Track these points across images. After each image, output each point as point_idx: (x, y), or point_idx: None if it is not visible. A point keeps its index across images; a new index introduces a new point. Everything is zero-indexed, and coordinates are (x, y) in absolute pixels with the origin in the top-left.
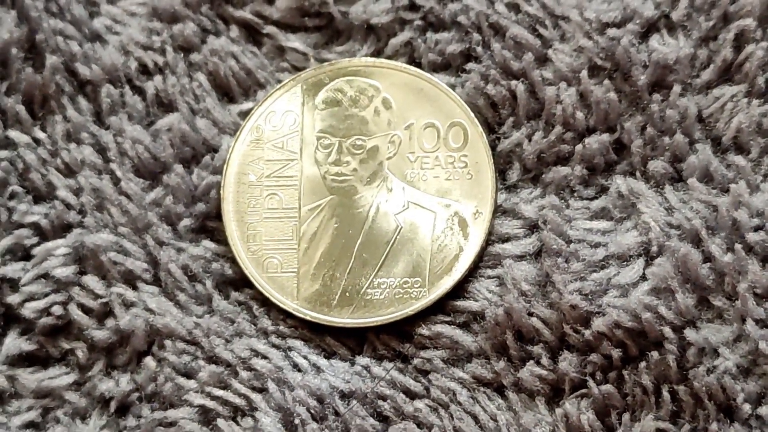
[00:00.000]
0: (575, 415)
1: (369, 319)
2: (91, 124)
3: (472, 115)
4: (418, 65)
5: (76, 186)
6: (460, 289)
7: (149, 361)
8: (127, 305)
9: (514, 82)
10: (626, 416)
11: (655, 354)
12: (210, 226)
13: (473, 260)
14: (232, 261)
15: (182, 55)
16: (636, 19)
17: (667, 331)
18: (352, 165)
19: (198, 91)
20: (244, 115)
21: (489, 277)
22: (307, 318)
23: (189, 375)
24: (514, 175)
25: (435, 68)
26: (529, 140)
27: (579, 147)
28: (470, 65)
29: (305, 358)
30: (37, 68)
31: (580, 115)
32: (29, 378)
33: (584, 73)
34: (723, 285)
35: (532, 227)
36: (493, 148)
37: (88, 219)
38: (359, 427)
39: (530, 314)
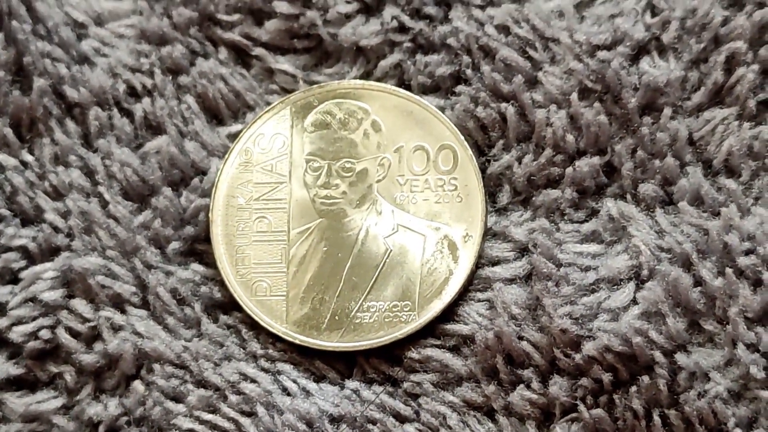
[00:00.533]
0: None
1: (358, 342)
2: (79, 147)
3: (462, 137)
4: (408, 88)
5: (64, 209)
6: (449, 313)
7: (138, 385)
8: (116, 329)
9: (503, 105)
10: None
11: (645, 378)
12: (199, 249)
13: (463, 284)
14: (221, 284)
15: (171, 77)
16: (626, 41)
17: (658, 355)
18: (342, 188)
19: (186, 114)
20: (233, 137)
21: (479, 301)
22: (297, 342)
23: (178, 399)
24: (504, 198)
25: (424, 91)
26: (519, 163)
27: (569, 170)
28: (460, 88)
29: (294, 381)
30: (24, 91)
31: (570, 137)
32: (17, 402)
33: (574, 96)
34: (714, 309)
35: (522, 250)
36: (482, 170)
37: (76, 242)
38: None
39: (520, 338)
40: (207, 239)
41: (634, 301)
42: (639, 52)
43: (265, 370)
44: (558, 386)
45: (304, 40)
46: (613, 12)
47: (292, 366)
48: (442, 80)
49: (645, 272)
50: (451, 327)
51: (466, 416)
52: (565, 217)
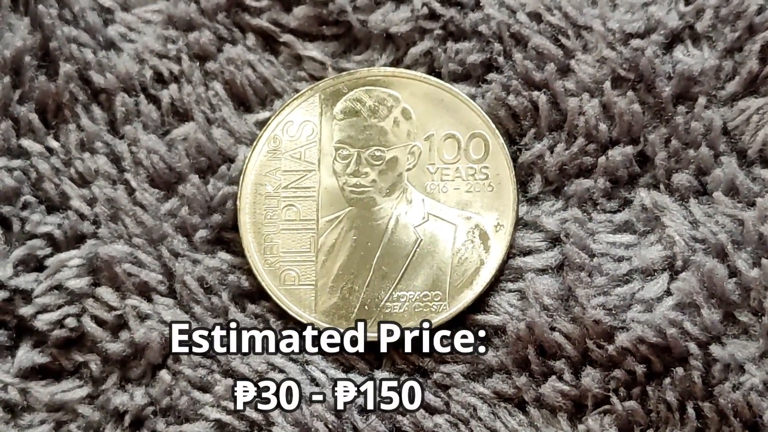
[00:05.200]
0: None
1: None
2: (106, 134)
3: (493, 126)
4: (438, 75)
5: (90, 196)
6: (480, 303)
7: (164, 375)
8: (142, 317)
9: (535, 93)
10: None
11: (679, 370)
12: (226, 237)
13: (494, 273)
14: (249, 273)
15: (198, 63)
16: (660, 29)
17: (692, 346)
18: (371, 176)
19: (214, 101)
20: (261, 124)
21: (510, 291)
22: None
23: (204, 389)
24: (535, 187)
25: (455, 78)
26: (551, 152)
27: (602, 159)
28: (491, 75)
29: (323, 372)
30: (50, 76)
31: (603, 126)
32: (42, 391)
33: (607, 84)
34: (749, 300)
35: (554, 240)
36: (514, 159)
37: (102, 230)
38: None
39: (552, 329)
40: (234, 227)
41: (668, 292)
42: (673, 40)
43: (294, 360)
44: (590, 378)
45: (333, 27)
46: (646, 0)
47: (320, 356)
48: (473, 68)
49: (679, 263)
50: (482, 317)
51: (497, 408)
52: (598, 207)
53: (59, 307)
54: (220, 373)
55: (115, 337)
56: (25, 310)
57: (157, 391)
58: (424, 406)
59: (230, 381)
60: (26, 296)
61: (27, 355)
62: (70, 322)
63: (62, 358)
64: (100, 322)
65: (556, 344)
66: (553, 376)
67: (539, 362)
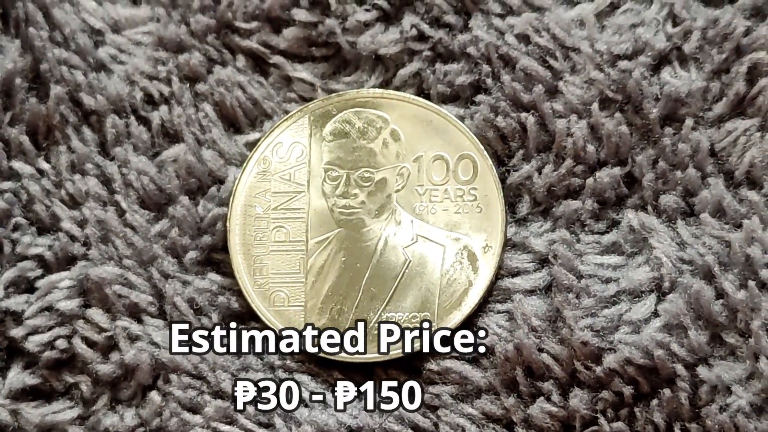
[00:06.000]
0: None
1: (377, 353)
2: (96, 155)
3: (482, 147)
4: (427, 97)
5: (80, 217)
6: (469, 324)
7: (154, 396)
8: (132, 339)
9: (524, 115)
10: None
11: (667, 391)
12: (216, 258)
13: (483, 295)
14: (239, 294)
15: (188, 85)
16: (647, 51)
17: (680, 368)
18: (360, 197)
19: (204, 122)
20: (251, 146)
21: (498, 312)
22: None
23: (194, 410)
24: (524, 208)
25: (444, 100)
26: (540, 173)
27: (590, 180)
28: (480, 97)
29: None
30: (41, 98)
31: (591, 148)
32: (33, 412)
33: (595, 106)
34: (736, 322)
35: (543, 261)
36: (502, 180)
37: (92, 251)
38: None
39: (540, 350)
40: (224, 248)
41: (656, 314)
42: (660, 62)
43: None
44: (578, 399)
45: (322, 48)
46: (634, 21)
47: (310, 377)
48: (461, 89)
49: (666, 284)
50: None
51: (485, 429)
52: (586, 228)
53: (50, 328)
54: (209, 394)
55: (105, 358)
56: (16, 332)
57: (147, 412)
58: (413, 426)
59: (220, 402)
60: (17, 318)
61: (18, 376)
62: (61, 343)
63: (53, 379)
64: (90, 343)
65: (544, 365)
66: (541, 397)
67: (527, 383)
